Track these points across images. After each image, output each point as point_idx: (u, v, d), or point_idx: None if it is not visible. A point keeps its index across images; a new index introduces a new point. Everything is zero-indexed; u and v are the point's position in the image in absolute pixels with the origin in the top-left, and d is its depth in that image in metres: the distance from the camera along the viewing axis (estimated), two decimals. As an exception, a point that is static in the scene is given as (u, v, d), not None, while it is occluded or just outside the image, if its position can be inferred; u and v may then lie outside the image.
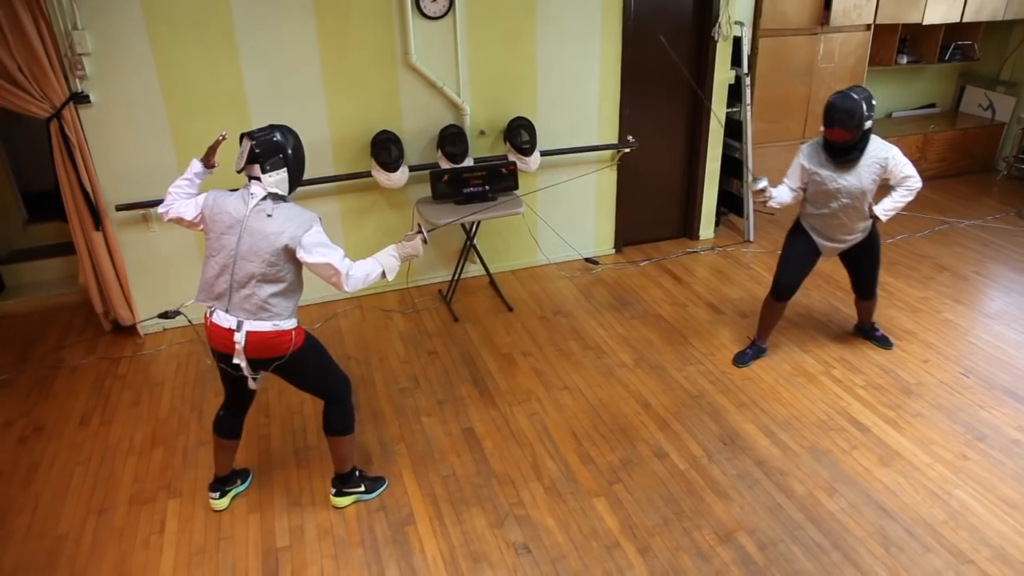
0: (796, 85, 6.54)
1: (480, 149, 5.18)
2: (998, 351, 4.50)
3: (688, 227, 6.18)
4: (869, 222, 4.13)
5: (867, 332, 4.67)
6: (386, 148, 4.77)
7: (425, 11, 4.68)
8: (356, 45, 4.65)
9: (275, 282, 2.87)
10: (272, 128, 2.91)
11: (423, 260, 5.36)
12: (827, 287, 5.27)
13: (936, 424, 3.87)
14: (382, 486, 3.49)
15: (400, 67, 4.79)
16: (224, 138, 3.15)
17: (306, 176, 4.72)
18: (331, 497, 3.39)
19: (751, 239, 6.13)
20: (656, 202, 6.02)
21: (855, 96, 3.74)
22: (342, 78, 4.70)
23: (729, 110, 5.92)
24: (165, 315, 4.19)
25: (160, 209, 3.09)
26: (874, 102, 3.82)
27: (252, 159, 2.83)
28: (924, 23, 6.73)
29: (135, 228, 4.64)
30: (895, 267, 5.59)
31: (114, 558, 3.15)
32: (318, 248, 2.85)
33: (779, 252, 4.39)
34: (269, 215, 2.82)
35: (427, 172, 4.94)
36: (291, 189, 2.99)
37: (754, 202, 4.05)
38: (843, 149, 3.86)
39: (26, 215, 5.63)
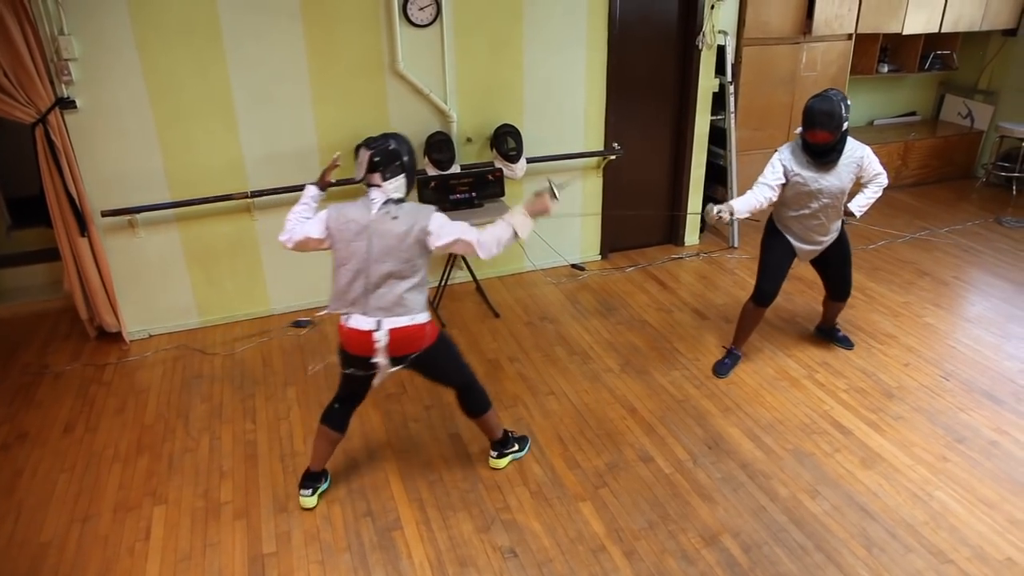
0: (779, 93, 6.62)
1: (467, 156, 5.21)
2: (977, 355, 4.56)
3: (673, 233, 6.23)
4: (840, 222, 4.22)
5: (829, 333, 4.74)
6: (373, 154, 4.78)
7: (412, 19, 4.70)
8: (344, 52, 4.67)
9: (409, 277, 3.04)
10: (387, 137, 3.07)
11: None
12: (810, 292, 5.32)
13: (917, 427, 3.92)
14: (528, 443, 3.78)
15: (387, 74, 4.82)
16: (338, 162, 3.31)
17: (294, 182, 4.81)
18: (491, 460, 3.64)
19: (735, 245, 6.19)
20: (642, 208, 6.06)
21: (833, 98, 3.83)
22: (330, 85, 4.72)
23: (713, 118, 5.98)
24: (299, 324, 4.56)
25: (282, 238, 3.16)
26: (849, 103, 3.90)
27: (372, 168, 3.00)
28: (904, 33, 6.82)
29: (121, 234, 4.63)
30: (877, 272, 5.67)
31: (98, 565, 3.14)
32: (444, 229, 3.01)
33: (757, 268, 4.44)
34: (395, 218, 2.98)
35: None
36: (408, 191, 3.16)
37: (714, 224, 4.01)
38: (824, 151, 3.92)
39: (10, 220, 5.60)
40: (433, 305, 5.18)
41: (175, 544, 3.24)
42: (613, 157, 5.62)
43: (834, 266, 4.36)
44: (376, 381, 3.19)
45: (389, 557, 3.15)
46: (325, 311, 3.21)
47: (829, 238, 4.22)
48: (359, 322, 3.04)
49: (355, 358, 3.13)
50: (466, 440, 3.86)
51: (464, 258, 5.34)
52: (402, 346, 3.08)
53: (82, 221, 4.42)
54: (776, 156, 4.10)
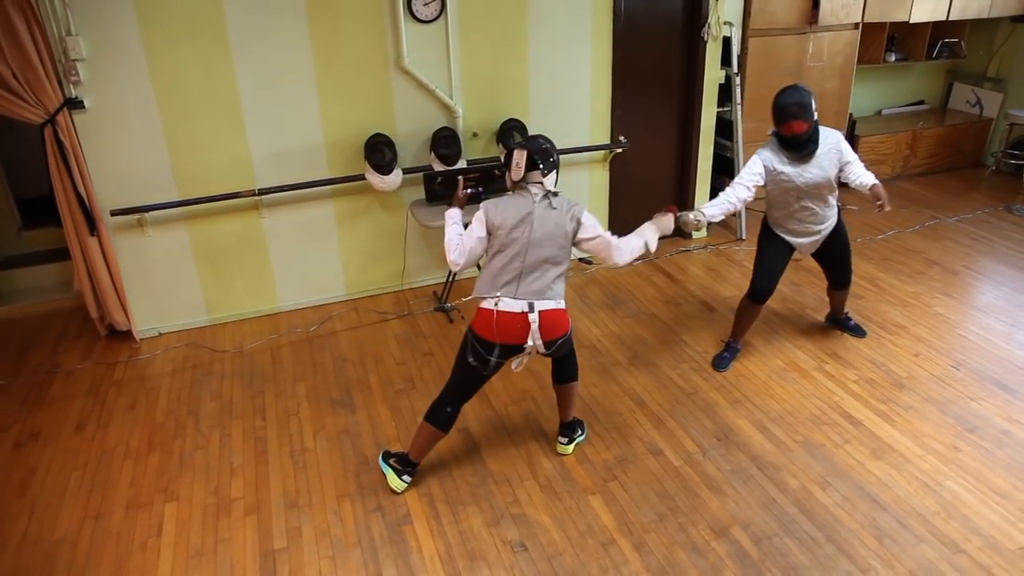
0: (786, 84, 6.56)
1: (473, 151, 5.21)
2: (988, 343, 4.54)
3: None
4: (836, 210, 4.21)
5: (841, 322, 4.74)
6: (379, 151, 4.79)
7: (417, 15, 4.70)
8: (349, 49, 4.67)
9: (560, 264, 3.25)
10: (536, 138, 3.31)
11: (418, 262, 5.40)
12: (820, 283, 5.27)
13: (927, 416, 3.91)
14: (586, 427, 3.87)
15: (393, 70, 4.82)
16: (466, 186, 3.75)
17: (301, 179, 4.83)
18: (560, 446, 3.71)
19: (743, 237, 6.17)
20: (649, 201, 6.03)
21: (800, 89, 3.89)
22: (335, 81, 4.72)
23: (720, 109, 5.95)
24: (441, 308, 4.82)
25: (452, 258, 3.26)
26: (814, 93, 3.97)
27: (532, 166, 3.20)
28: (911, 21, 6.78)
29: (130, 233, 4.66)
30: (886, 262, 5.64)
31: (111, 562, 3.17)
32: (593, 227, 3.27)
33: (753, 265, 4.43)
34: (554, 208, 3.20)
35: (421, 174, 4.96)
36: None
37: (685, 228, 4.04)
38: (802, 142, 3.93)
39: (20, 221, 5.63)
40: (441, 300, 5.19)
41: (187, 540, 3.26)
42: (619, 150, 5.60)
43: (834, 255, 4.36)
44: (516, 366, 3.37)
45: (399, 552, 3.16)
46: (470, 296, 3.36)
47: (827, 226, 4.21)
48: (510, 305, 3.18)
49: (501, 347, 3.23)
50: (475, 435, 3.87)
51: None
52: (552, 329, 3.24)
53: (91, 220, 4.44)
54: (756, 156, 4.09)
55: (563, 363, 3.55)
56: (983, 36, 7.57)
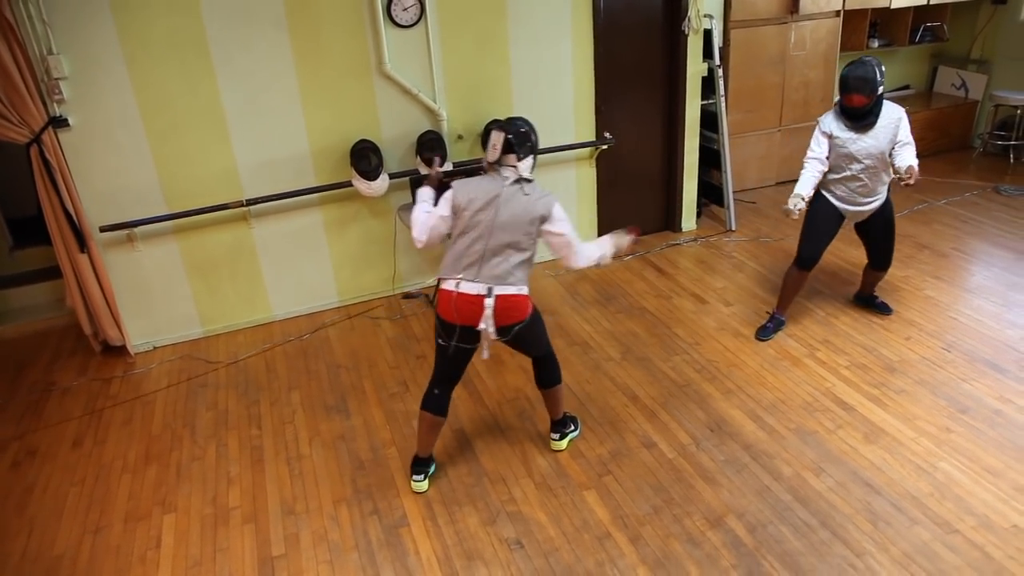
0: (770, 74, 6.61)
1: (459, 153, 5.22)
2: (979, 324, 4.56)
3: (670, 220, 6.23)
4: (887, 185, 4.32)
5: (868, 300, 4.83)
6: (365, 157, 4.81)
7: (397, 19, 4.72)
8: (330, 57, 4.69)
9: (524, 251, 3.22)
10: (517, 121, 3.26)
11: (408, 266, 5.41)
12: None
13: (920, 399, 3.93)
14: (579, 422, 3.89)
15: (375, 76, 4.83)
16: (440, 169, 3.71)
17: (288, 188, 4.84)
18: (553, 443, 3.74)
19: (733, 228, 6.19)
20: (637, 196, 6.07)
21: (868, 63, 4.00)
22: (318, 90, 4.74)
23: (704, 102, 5.97)
24: (408, 296, 4.86)
25: (415, 235, 3.29)
26: (883, 68, 4.05)
27: (508, 148, 3.17)
28: (893, 6, 6.81)
29: (120, 248, 4.68)
30: (876, 248, 5.65)
31: None
32: (561, 220, 3.23)
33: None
34: (526, 194, 3.18)
35: (407, 178, 4.98)
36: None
37: (789, 216, 4.22)
38: (862, 114, 4.07)
39: (11, 241, 5.65)
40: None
41: (186, 551, 3.28)
42: (605, 147, 5.62)
43: (879, 234, 4.49)
44: (485, 354, 3.33)
45: (397, 554, 3.18)
46: (431, 280, 3.36)
47: (875, 200, 4.32)
48: (469, 287, 3.18)
49: (460, 329, 3.25)
50: (469, 435, 3.89)
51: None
52: (507, 315, 3.22)
53: (81, 238, 4.46)
54: (817, 129, 4.27)
55: (540, 365, 3.57)
56: (965, 19, 7.59)
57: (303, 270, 5.16)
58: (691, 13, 5.47)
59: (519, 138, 3.19)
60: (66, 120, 4.30)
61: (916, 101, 7.76)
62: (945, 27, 7.44)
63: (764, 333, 4.59)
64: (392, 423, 4.03)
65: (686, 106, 5.78)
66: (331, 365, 4.62)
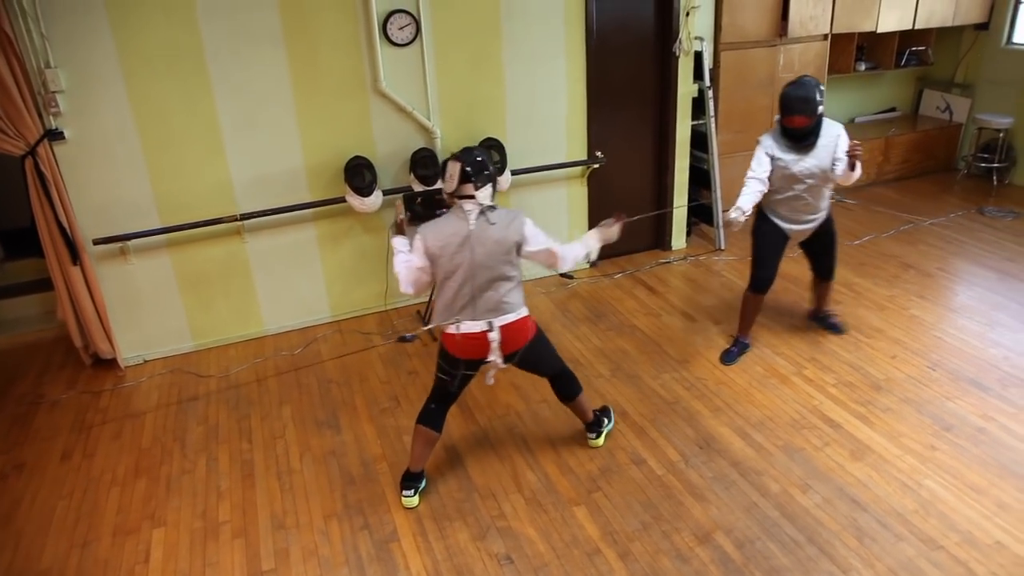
0: (759, 96, 6.71)
1: (452, 170, 5.26)
2: (963, 343, 4.62)
3: (660, 238, 6.29)
4: (828, 203, 4.36)
5: (822, 319, 4.86)
6: (359, 173, 4.85)
7: (393, 38, 4.78)
8: (326, 74, 4.74)
9: (510, 278, 3.26)
10: (471, 150, 3.27)
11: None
12: (796, 289, 5.38)
13: (905, 417, 3.97)
14: (612, 411, 4.02)
15: (370, 94, 4.89)
16: (405, 217, 3.69)
17: (282, 203, 4.87)
18: (591, 441, 3.84)
19: (722, 247, 6.26)
20: (628, 215, 6.11)
21: (807, 84, 4.01)
22: (314, 106, 4.79)
23: (695, 123, 6.05)
24: (403, 339, 4.81)
25: (406, 289, 3.30)
26: (823, 88, 4.08)
27: (464, 179, 3.16)
28: (878, 31, 6.93)
29: (113, 262, 4.68)
30: (863, 267, 5.73)
31: (100, 589, 3.18)
32: (536, 236, 3.27)
33: (749, 258, 4.52)
34: (493, 223, 3.18)
35: (401, 195, 5.02)
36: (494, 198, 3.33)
37: (730, 228, 4.26)
38: (803, 135, 4.08)
39: (3, 253, 5.65)
40: (424, 320, 5.23)
41: (175, 565, 3.27)
42: (596, 166, 5.69)
43: (821, 248, 4.54)
44: (489, 380, 3.43)
45: (387, 569, 3.19)
46: (430, 325, 3.40)
47: (818, 217, 4.36)
48: (471, 327, 3.25)
49: (466, 361, 3.34)
50: (460, 450, 3.91)
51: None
52: (513, 341, 3.31)
53: (74, 250, 4.47)
54: (759, 148, 4.26)
55: (556, 382, 3.65)
56: (949, 44, 7.74)
57: (296, 285, 5.18)
58: (682, 35, 5.56)
59: (475, 167, 3.18)
60: (62, 133, 4.32)
61: (902, 123, 7.88)
62: (930, 51, 7.58)
63: (729, 357, 4.58)
64: (383, 438, 4.04)
65: (677, 126, 5.86)
66: (322, 380, 4.63)
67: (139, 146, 4.50)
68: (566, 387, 3.68)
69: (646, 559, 3.16)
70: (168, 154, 4.57)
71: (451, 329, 3.29)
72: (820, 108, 4.01)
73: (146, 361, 4.97)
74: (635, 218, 3.91)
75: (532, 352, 3.42)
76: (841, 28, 6.74)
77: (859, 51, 7.35)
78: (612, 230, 3.57)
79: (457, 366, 3.37)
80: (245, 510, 3.57)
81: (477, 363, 3.37)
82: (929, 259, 5.86)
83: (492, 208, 3.24)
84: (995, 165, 7.36)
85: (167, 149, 4.56)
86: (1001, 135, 7.24)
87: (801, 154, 4.14)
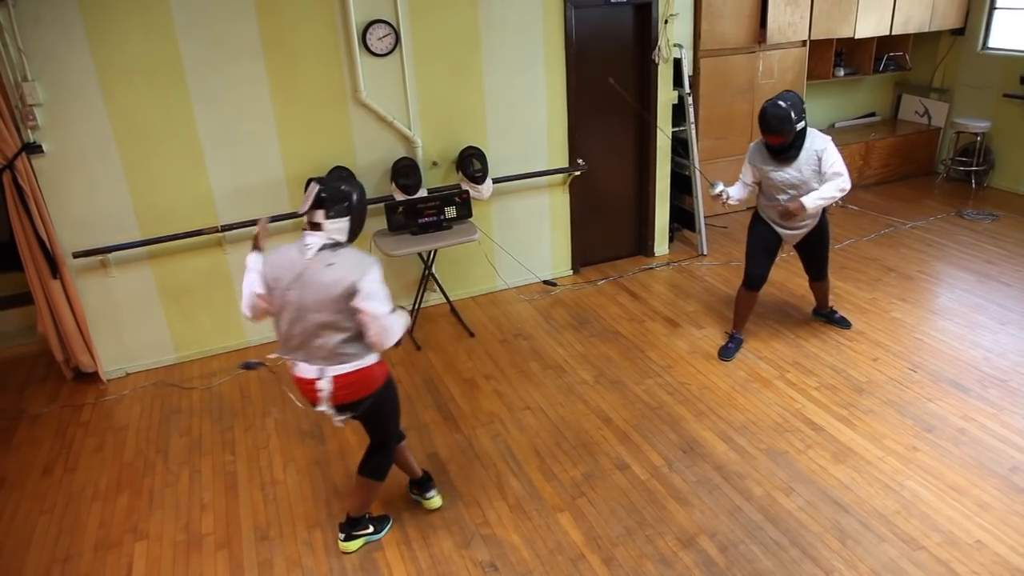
0: (739, 102, 6.76)
1: (433, 180, 5.28)
2: (943, 345, 4.66)
3: (643, 244, 6.32)
4: (820, 210, 4.43)
5: (827, 315, 4.97)
6: (340, 183, 4.84)
7: (372, 48, 4.79)
8: (306, 85, 4.74)
9: (345, 330, 2.84)
10: (341, 177, 2.99)
11: (384, 291, 5.43)
12: (779, 294, 5.42)
13: (887, 419, 4.00)
14: (388, 524, 3.44)
15: (351, 104, 4.89)
16: (267, 225, 3.17)
17: (262, 215, 4.82)
18: (340, 543, 3.31)
19: (705, 252, 6.29)
20: (610, 222, 6.16)
21: (783, 104, 4.08)
22: (294, 117, 4.79)
23: (675, 129, 6.10)
24: (248, 366, 4.49)
25: (245, 312, 2.98)
26: (803, 104, 4.17)
27: (318, 203, 2.81)
28: (856, 37, 7.02)
29: (93, 274, 4.66)
30: (844, 271, 5.77)
31: (81, 604, 3.14)
32: (373, 296, 2.80)
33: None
34: (330, 264, 2.79)
35: (382, 205, 5.02)
36: (351, 238, 2.94)
37: (717, 203, 4.48)
38: (781, 149, 4.21)
39: (-18, 268, 5.60)
40: (408, 328, 5.21)
41: (157, 579, 3.25)
42: (578, 173, 5.71)
43: (811, 251, 4.64)
44: (337, 424, 3.09)
45: (371, 579, 3.18)
46: (275, 355, 3.08)
47: (808, 223, 4.46)
48: (303, 370, 2.94)
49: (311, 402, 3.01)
50: (444, 459, 3.90)
51: (436, 280, 5.40)
52: (350, 392, 2.94)
53: (54, 264, 4.44)
54: (746, 158, 4.46)
55: (372, 452, 3.25)
56: (927, 49, 7.84)
57: (278, 295, 5.16)
58: (661, 42, 5.61)
59: (333, 194, 2.82)
60: (40, 146, 4.30)
61: (882, 128, 7.97)
62: (907, 56, 7.67)
63: (727, 353, 4.69)
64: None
65: (658, 133, 5.89)
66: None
67: (118, 158, 4.48)
68: (376, 463, 3.23)
69: (630, 564, 3.16)
70: (148, 166, 4.56)
71: (290, 366, 2.97)
72: (799, 125, 4.11)
73: (128, 374, 4.94)
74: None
75: (373, 408, 3.05)
76: (819, 34, 6.82)
77: (838, 57, 7.43)
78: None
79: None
80: (228, 522, 3.55)
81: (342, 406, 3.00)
82: (910, 262, 5.92)
83: (338, 246, 2.84)
84: (974, 168, 7.45)
85: (147, 161, 4.55)
86: (979, 139, 7.33)
87: (781, 165, 4.26)
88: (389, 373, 3.11)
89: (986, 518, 3.29)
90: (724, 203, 4.45)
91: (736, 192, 4.47)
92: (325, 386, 2.90)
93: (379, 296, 2.82)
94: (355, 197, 2.88)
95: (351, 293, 2.77)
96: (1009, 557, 3.09)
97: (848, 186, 4.23)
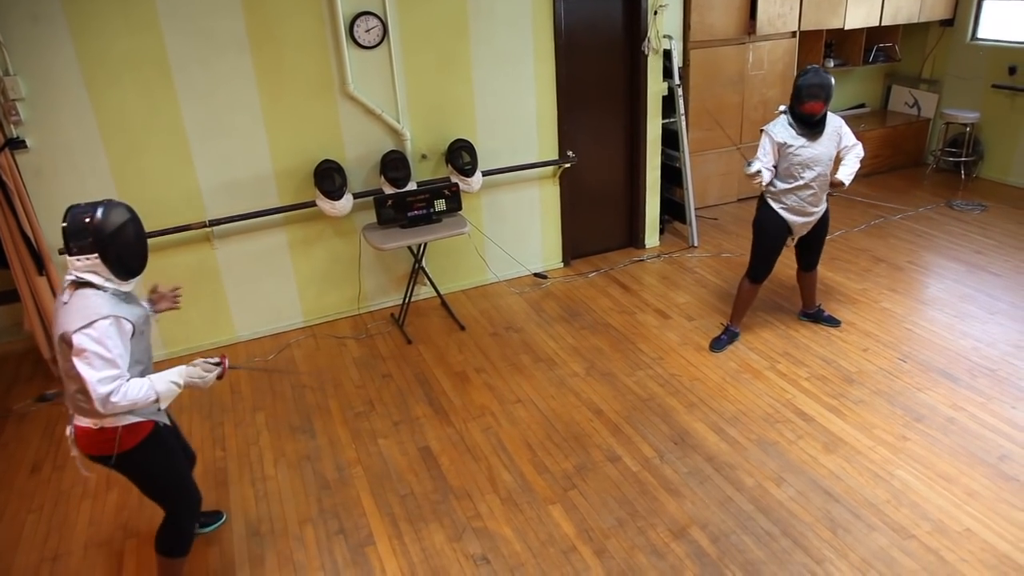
0: (729, 93, 6.76)
1: (423, 173, 5.26)
2: (933, 335, 4.68)
3: (634, 236, 6.31)
4: (826, 195, 4.46)
5: (814, 316, 4.92)
6: (329, 177, 4.82)
7: (360, 40, 4.76)
8: (293, 77, 4.71)
9: (75, 379, 2.51)
10: (94, 206, 2.54)
11: (373, 285, 5.42)
12: (769, 285, 5.41)
13: (877, 409, 4.01)
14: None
15: (339, 97, 4.86)
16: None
17: (251, 209, 4.82)
18: None
19: (695, 244, 6.29)
20: (601, 214, 6.15)
21: (821, 71, 4.18)
22: (281, 110, 4.75)
23: (665, 121, 6.09)
24: (43, 398, 4.46)
25: None
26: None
27: (64, 237, 2.51)
28: (846, 28, 7.01)
29: (79, 271, 4.61)
30: (834, 262, 5.78)
31: (70, 602, 3.13)
32: (80, 359, 2.43)
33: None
34: (65, 303, 2.51)
35: (371, 198, 5.00)
36: (123, 277, 2.62)
37: (751, 182, 4.40)
38: (817, 121, 4.22)
39: (-33, 266, 5.54)
40: (399, 322, 5.21)
41: (147, 576, 3.23)
42: (568, 165, 5.70)
43: (815, 241, 4.62)
44: (84, 472, 2.89)
45: (363, 573, 3.16)
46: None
47: (820, 209, 4.45)
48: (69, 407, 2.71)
49: None
50: (435, 452, 3.89)
51: (427, 273, 5.38)
52: (88, 446, 2.67)
53: (39, 260, 4.40)
54: (766, 139, 4.33)
55: (163, 526, 2.95)
56: (916, 40, 7.84)
57: (267, 290, 5.14)
58: (651, 34, 5.59)
59: (74, 227, 2.49)
60: (24, 142, 4.25)
61: (871, 119, 7.97)
62: (897, 48, 7.68)
63: (718, 344, 4.68)
64: (357, 442, 4.02)
65: (648, 124, 5.88)
66: (296, 385, 4.60)
67: (104, 154, 4.44)
68: (161, 535, 2.94)
69: (622, 555, 3.16)
70: (134, 161, 4.52)
71: None
72: (832, 95, 4.17)
73: (117, 371, 4.90)
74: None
75: (131, 470, 2.76)
76: (809, 25, 6.81)
77: (828, 48, 7.43)
78: (207, 378, 2.82)
79: None
80: (218, 518, 3.54)
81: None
82: (899, 253, 5.93)
83: (84, 286, 2.51)
84: (963, 159, 7.47)
85: (133, 156, 4.51)
86: (968, 129, 7.35)
87: (811, 140, 4.24)
88: (146, 441, 2.72)
89: (975, 506, 3.31)
90: (759, 184, 4.35)
91: (767, 174, 4.36)
92: (69, 431, 2.70)
93: (92, 357, 2.43)
94: (106, 231, 2.49)
95: (67, 344, 2.46)
96: (997, 544, 3.10)
97: (863, 152, 4.42)
